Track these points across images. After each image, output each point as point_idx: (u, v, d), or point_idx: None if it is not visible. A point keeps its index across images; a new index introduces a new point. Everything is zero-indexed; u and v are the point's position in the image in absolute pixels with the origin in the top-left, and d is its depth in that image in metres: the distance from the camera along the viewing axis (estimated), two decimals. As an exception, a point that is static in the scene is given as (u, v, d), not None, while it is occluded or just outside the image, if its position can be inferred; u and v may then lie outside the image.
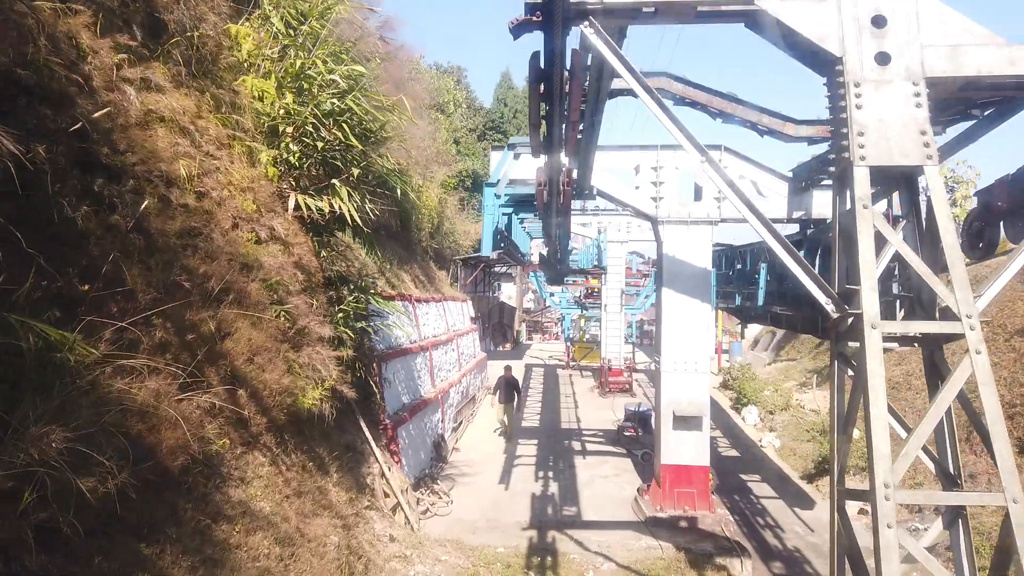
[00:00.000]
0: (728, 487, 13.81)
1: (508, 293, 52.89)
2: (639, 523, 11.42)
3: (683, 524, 11.12)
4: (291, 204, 7.62)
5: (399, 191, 10.28)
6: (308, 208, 7.62)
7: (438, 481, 13.43)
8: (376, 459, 10.16)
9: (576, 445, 17.23)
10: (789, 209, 11.56)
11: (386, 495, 10.08)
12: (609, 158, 11.99)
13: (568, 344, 32.96)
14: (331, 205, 7.75)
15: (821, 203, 11.36)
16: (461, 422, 19.16)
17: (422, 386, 15.16)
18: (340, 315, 8.50)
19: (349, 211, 7.75)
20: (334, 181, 7.89)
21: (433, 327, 18.06)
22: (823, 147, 10.19)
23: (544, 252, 16.91)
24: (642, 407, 17.68)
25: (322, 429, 7.72)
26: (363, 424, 10.13)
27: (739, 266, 15.43)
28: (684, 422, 11.64)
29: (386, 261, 16.31)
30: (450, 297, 22.42)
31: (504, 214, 14.17)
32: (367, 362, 10.97)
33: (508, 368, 17.53)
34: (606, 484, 13.80)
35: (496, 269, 42.11)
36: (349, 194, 7.86)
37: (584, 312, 32.91)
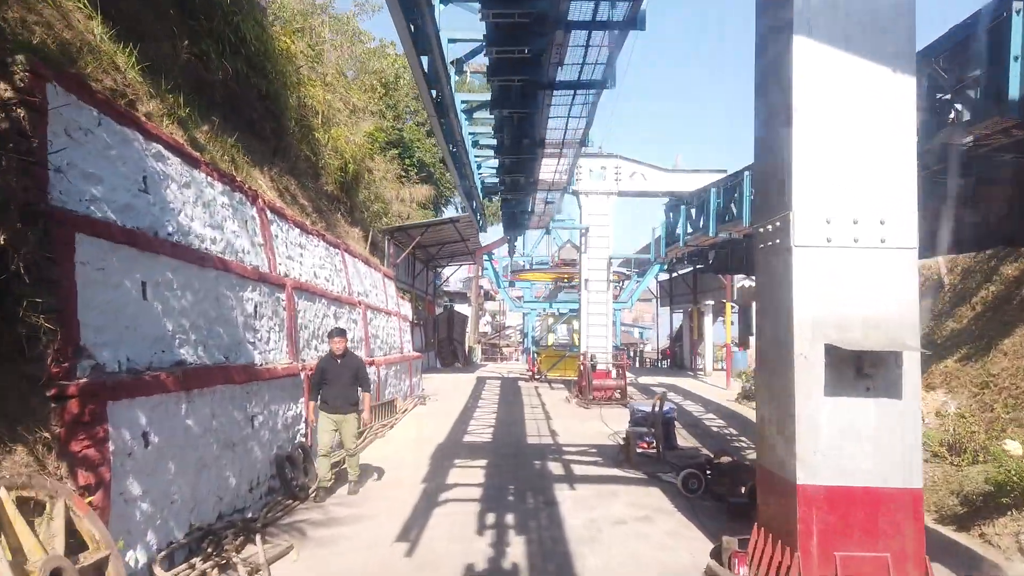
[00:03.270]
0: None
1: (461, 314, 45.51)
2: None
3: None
4: None
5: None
6: None
7: (267, 536, 5.96)
8: None
9: (555, 468, 9.85)
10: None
11: None
12: None
13: (532, 352, 25.62)
14: None
15: None
16: (364, 432, 11.61)
17: (260, 346, 7.71)
18: None
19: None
20: None
21: (311, 269, 10.65)
22: None
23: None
24: (661, 407, 10.41)
25: None
26: None
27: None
28: (856, 373, 4.54)
29: (225, 135, 9.03)
30: (360, 256, 15.04)
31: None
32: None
33: (338, 335, 8.26)
34: (627, 540, 6.48)
35: (441, 265, 34.76)
36: None
37: (552, 308, 25.76)
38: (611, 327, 18.30)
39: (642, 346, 43.43)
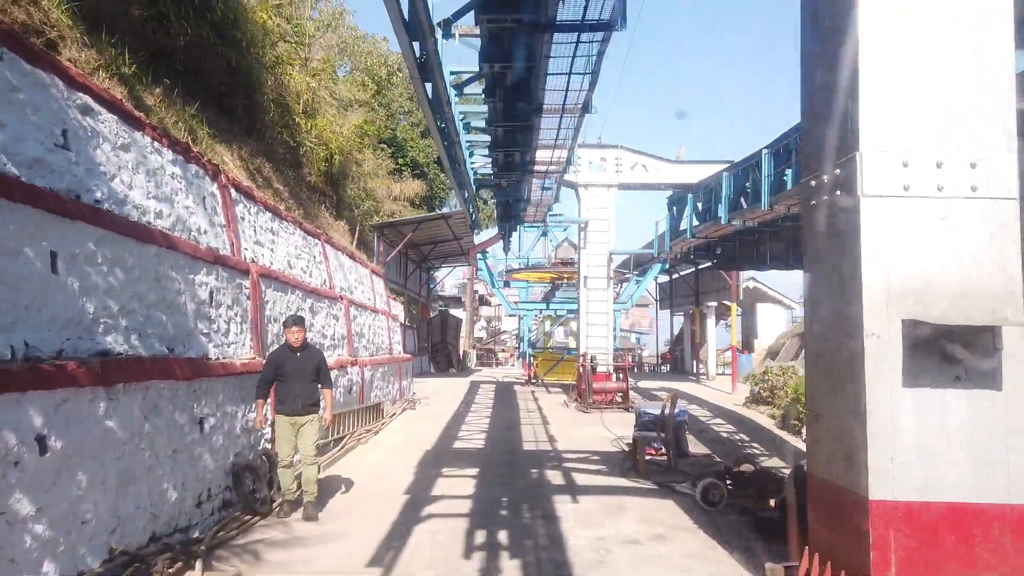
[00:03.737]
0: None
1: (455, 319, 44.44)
2: None
3: None
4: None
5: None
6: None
7: (213, 560, 4.95)
8: None
9: (554, 477, 8.82)
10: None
11: None
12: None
13: (528, 356, 24.58)
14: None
15: None
16: (344, 436, 10.59)
17: (217, 338, 6.69)
18: None
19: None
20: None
21: (284, 258, 9.65)
22: None
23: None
24: (672, 410, 9.39)
25: None
26: None
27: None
28: (942, 357, 3.52)
29: (186, 105, 8.09)
30: (345, 249, 14.04)
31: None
32: None
33: (295, 323, 6.88)
34: (642, 564, 5.47)
35: (434, 267, 33.77)
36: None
37: (549, 310, 24.76)
38: (612, 327, 17.30)
39: (640, 351, 42.42)
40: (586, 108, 7.38)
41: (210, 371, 6.21)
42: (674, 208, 15.85)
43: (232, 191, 8.15)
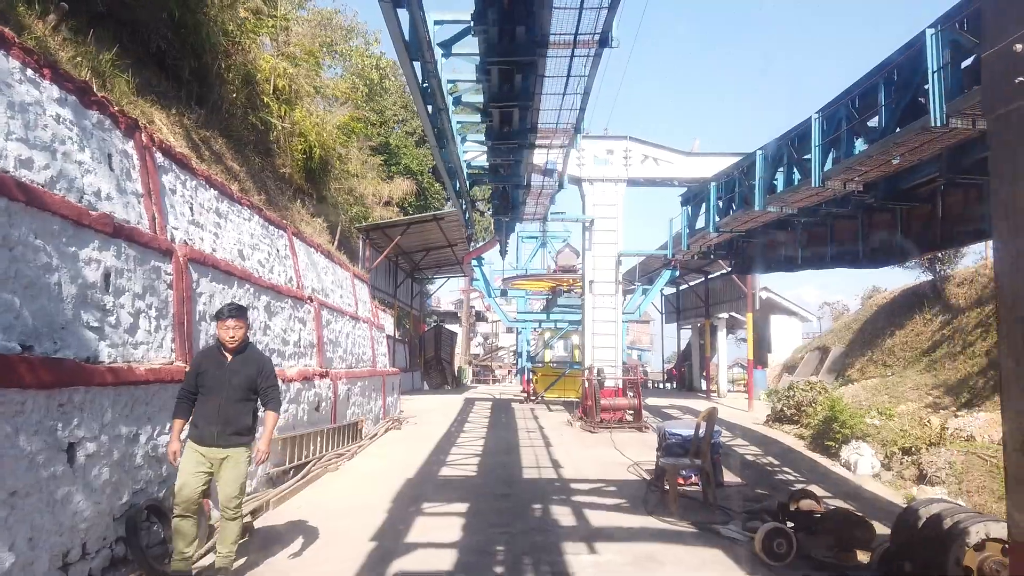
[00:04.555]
0: None
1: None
2: None
3: None
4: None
5: None
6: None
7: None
8: None
9: (562, 514, 7.03)
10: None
11: None
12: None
13: (527, 371, 22.77)
14: None
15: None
16: (308, 462, 8.80)
17: (115, 335, 4.96)
18: None
19: None
20: None
21: (234, 246, 7.96)
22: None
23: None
24: (709, 430, 7.62)
25: None
26: None
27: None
28: None
29: (104, 50, 6.48)
30: (320, 248, 12.37)
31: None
32: None
33: (233, 315, 4.93)
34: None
35: (427, 277, 32.08)
36: None
37: (548, 322, 23.02)
38: (621, 337, 15.58)
39: (645, 366, 40.62)
40: (604, 40, 5.73)
41: (89, 378, 4.47)
42: (689, 205, 14.21)
43: (158, 155, 6.47)
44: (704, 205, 13.28)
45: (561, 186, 11.73)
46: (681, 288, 29.95)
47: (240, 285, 7.61)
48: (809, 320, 27.26)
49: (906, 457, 11.61)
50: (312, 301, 10.44)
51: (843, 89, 7.55)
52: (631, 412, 14.54)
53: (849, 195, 8.22)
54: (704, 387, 30.63)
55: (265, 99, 12.15)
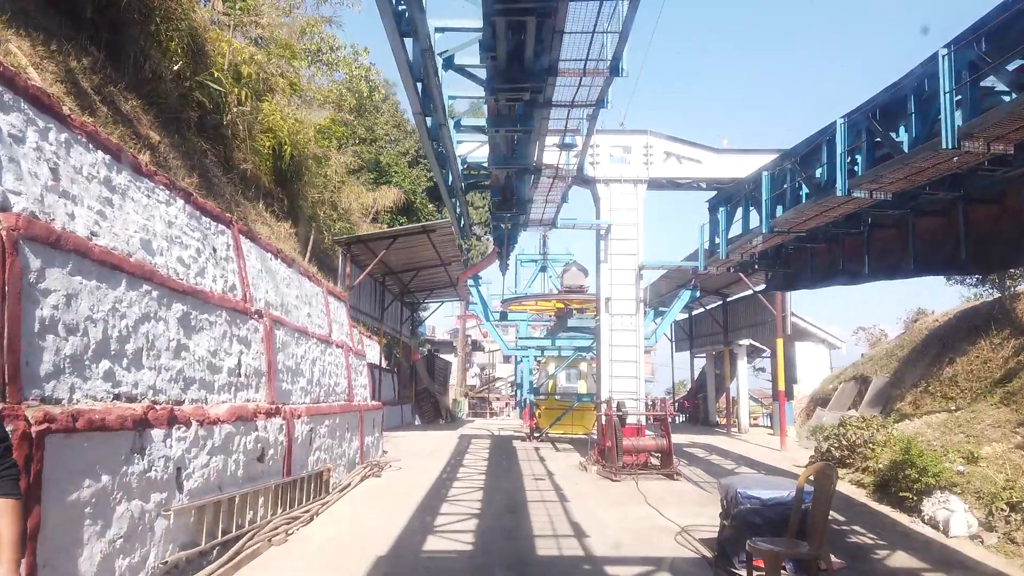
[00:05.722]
0: None
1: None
2: None
3: None
4: None
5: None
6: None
7: None
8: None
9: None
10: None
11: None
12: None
13: (530, 405, 20.28)
14: None
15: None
16: (245, 535, 6.30)
17: None
18: None
19: None
20: None
21: (131, 232, 5.64)
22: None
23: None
24: (830, 492, 5.25)
25: None
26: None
27: None
28: None
29: None
30: (282, 255, 10.06)
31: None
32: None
33: None
34: None
35: (418, 300, 29.74)
36: None
37: (551, 349, 20.61)
38: (642, 364, 13.21)
39: (658, 403, 38.06)
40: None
41: None
42: (718, 212, 12.04)
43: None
44: (742, 206, 11.10)
45: (581, 169, 9.51)
46: (695, 313, 27.64)
47: (133, 286, 5.28)
48: (838, 346, 24.94)
49: (1014, 514, 9.21)
50: (262, 317, 8.10)
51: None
52: (657, 454, 12.12)
53: (979, 165, 6.02)
54: (720, 421, 28.16)
55: (216, 73, 9.95)
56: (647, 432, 13.01)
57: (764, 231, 9.25)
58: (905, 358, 17.66)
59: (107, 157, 5.49)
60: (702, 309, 25.76)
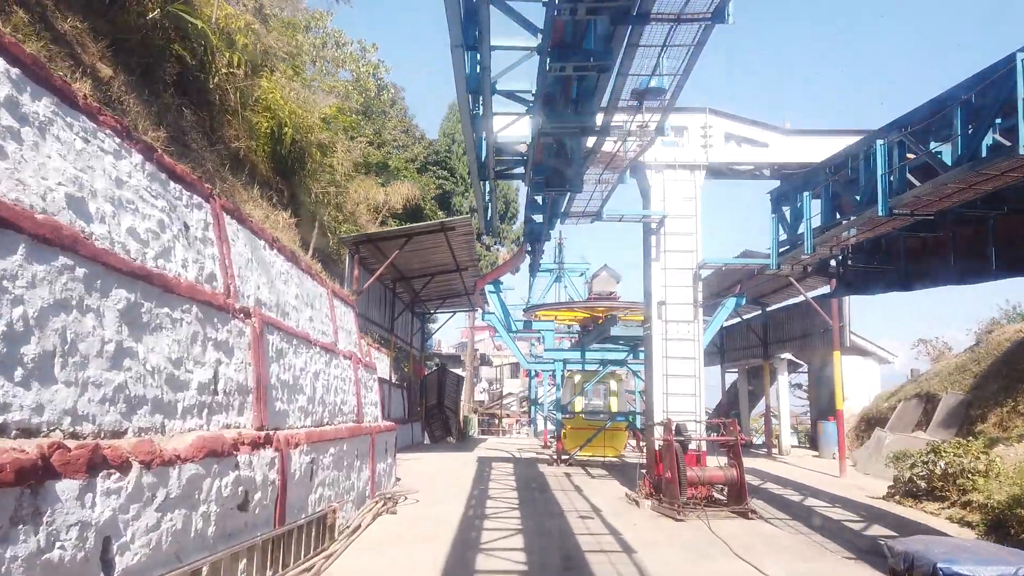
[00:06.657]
0: None
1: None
2: None
3: None
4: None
5: None
6: None
7: None
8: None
9: None
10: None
11: None
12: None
13: (557, 423, 18.29)
14: None
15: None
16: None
17: None
18: None
19: None
20: None
21: (63, 186, 3.77)
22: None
23: None
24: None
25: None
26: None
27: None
28: None
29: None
30: (274, 241, 8.20)
31: None
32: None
33: None
34: None
35: (429, 311, 27.89)
36: None
37: (575, 363, 18.71)
38: (702, 379, 11.29)
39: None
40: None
41: None
42: (784, 204, 10.22)
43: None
44: (822, 194, 9.28)
45: (661, 131, 7.65)
46: (727, 324, 25.72)
47: (41, 257, 3.43)
48: (890, 361, 22.95)
49: None
50: (249, 316, 6.24)
51: None
52: (727, 488, 10.18)
53: None
54: (754, 440, 26.10)
55: (200, 24, 8.14)
56: (707, 460, 11.10)
57: (881, 213, 7.36)
58: (983, 373, 15.70)
59: (9, 67, 3.67)
60: (738, 319, 23.81)
